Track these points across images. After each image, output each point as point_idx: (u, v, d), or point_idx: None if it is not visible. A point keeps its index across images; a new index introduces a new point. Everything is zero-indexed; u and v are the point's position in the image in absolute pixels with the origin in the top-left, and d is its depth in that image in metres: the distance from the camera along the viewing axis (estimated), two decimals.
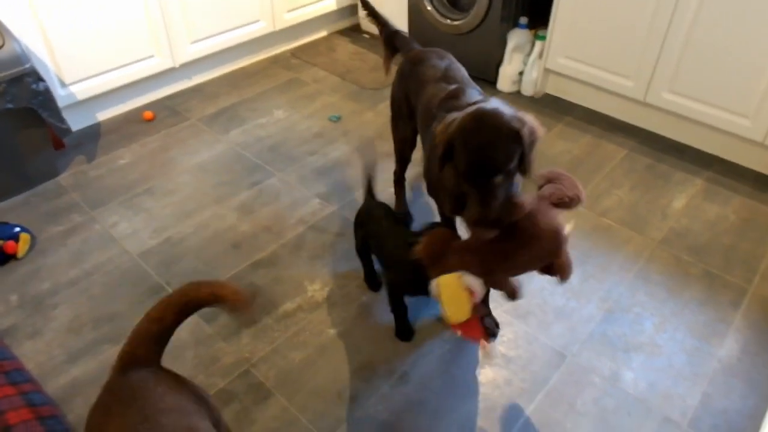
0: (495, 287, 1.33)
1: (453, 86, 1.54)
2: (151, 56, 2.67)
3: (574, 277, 1.90)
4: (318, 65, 3.17)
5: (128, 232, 2.09)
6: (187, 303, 1.01)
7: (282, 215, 2.17)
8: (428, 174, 1.57)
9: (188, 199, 2.24)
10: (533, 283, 1.88)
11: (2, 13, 2.14)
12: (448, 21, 2.91)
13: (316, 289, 1.88)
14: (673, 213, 2.19)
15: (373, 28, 3.32)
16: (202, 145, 2.55)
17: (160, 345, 1.03)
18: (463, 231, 1.42)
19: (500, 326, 1.75)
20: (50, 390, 1.56)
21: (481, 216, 1.21)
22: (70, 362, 1.65)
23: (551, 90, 2.90)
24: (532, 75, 2.83)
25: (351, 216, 2.14)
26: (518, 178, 1.30)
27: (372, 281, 1.86)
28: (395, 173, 2.10)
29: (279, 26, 3.14)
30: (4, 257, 1.93)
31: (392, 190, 2.16)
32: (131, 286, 1.88)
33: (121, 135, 2.60)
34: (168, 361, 1.63)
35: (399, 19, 2.99)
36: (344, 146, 2.53)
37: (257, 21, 3.03)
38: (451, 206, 1.42)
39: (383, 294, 1.84)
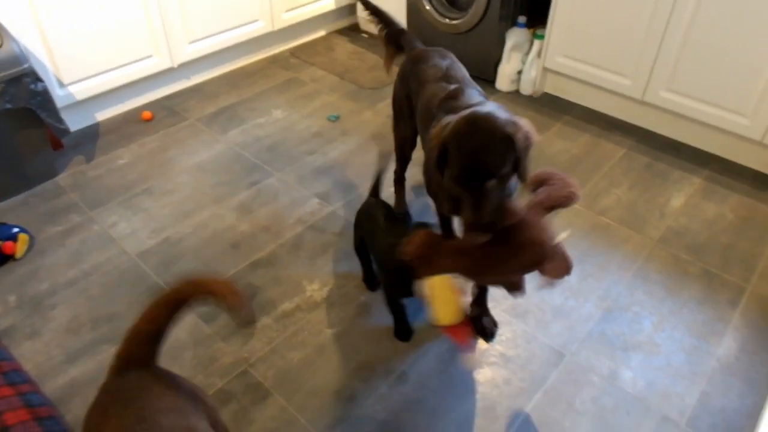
0: (503, 285, 1.33)
1: (453, 86, 1.54)
2: (150, 56, 2.67)
3: (573, 276, 1.90)
4: (317, 65, 3.17)
5: (127, 232, 2.09)
6: (180, 301, 1.01)
7: (281, 215, 2.17)
8: (427, 174, 1.57)
9: (187, 199, 2.24)
10: (531, 282, 1.87)
11: (0, 13, 2.14)
12: (447, 20, 2.91)
13: (315, 289, 1.88)
14: (671, 212, 2.19)
15: (371, 28, 3.33)
16: (200, 145, 2.55)
17: (156, 344, 1.02)
18: (459, 231, 1.42)
19: (498, 325, 1.75)
20: (49, 390, 1.56)
21: (473, 220, 1.21)
22: (69, 362, 1.65)
23: (550, 89, 2.90)
24: (531, 74, 2.83)
25: (350, 216, 2.14)
26: (514, 183, 1.30)
27: (370, 281, 1.86)
28: (395, 172, 2.10)
29: (277, 26, 3.14)
30: (3, 258, 1.93)
31: (392, 189, 2.17)
32: (130, 287, 1.88)
33: (119, 135, 2.60)
34: (167, 361, 1.64)
35: (397, 18, 2.98)
36: (343, 146, 2.53)
37: (256, 21, 3.02)
38: (449, 206, 1.43)
39: (382, 294, 1.84)
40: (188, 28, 2.74)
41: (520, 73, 2.87)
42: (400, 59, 1.88)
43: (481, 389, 1.59)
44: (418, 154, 1.96)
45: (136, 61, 2.63)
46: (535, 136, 1.26)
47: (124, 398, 0.92)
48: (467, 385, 1.60)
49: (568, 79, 2.77)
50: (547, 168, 1.37)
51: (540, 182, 1.34)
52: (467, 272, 1.27)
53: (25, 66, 2.01)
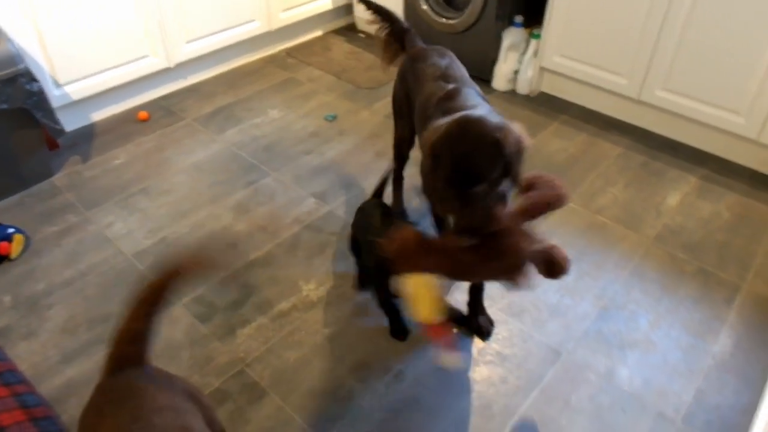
0: (508, 279, 1.32)
1: (451, 86, 1.53)
2: (146, 56, 2.67)
3: (569, 275, 1.90)
4: (313, 65, 3.17)
5: (123, 232, 2.09)
6: (159, 294, 1.01)
7: (278, 215, 2.17)
8: (424, 173, 1.57)
9: (183, 199, 2.24)
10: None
11: None
12: (444, 20, 2.91)
13: (312, 288, 1.88)
14: (667, 210, 2.19)
15: (368, 28, 3.33)
16: (197, 144, 2.54)
17: (145, 342, 1.02)
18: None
19: (495, 324, 1.75)
20: (45, 391, 1.56)
21: (461, 223, 1.22)
22: (65, 363, 1.64)
23: (546, 88, 2.90)
24: (528, 73, 2.83)
25: (346, 215, 2.14)
26: (508, 187, 1.29)
27: (361, 280, 1.86)
28: (393, 171, 2.10)
29: (274, 26, 3.14)
30: None
31: (390, 188, 2.17)
32: (126, 287, 1.87)
33: (115, 135, 2.60)
34: (163, 361, 1.64)
35: None
36: (340, 145, 2.53)
37: (252, 21, 3.02)
38: (441, 207, 1.43)
39: (372, 294, 1.84)
40: (185, 28, 2.74)
41: (516, 72, 2.87)
42: (401, 58, 1.87)
43: (477, 388, 1.59)
44: (416, 153, 1.96)
45: (133, 61, 2.63)
46: (527, 141, 1.26)
47: (119, 398, 0.92)
48: (464, 384, 1.60)
49: (565, 79, 2.78)
50: (535, 171, 1.37)
51: (528, 186, 1.33)
52: (446, 272, 1.27)
53: (21, 66, 2.00)
